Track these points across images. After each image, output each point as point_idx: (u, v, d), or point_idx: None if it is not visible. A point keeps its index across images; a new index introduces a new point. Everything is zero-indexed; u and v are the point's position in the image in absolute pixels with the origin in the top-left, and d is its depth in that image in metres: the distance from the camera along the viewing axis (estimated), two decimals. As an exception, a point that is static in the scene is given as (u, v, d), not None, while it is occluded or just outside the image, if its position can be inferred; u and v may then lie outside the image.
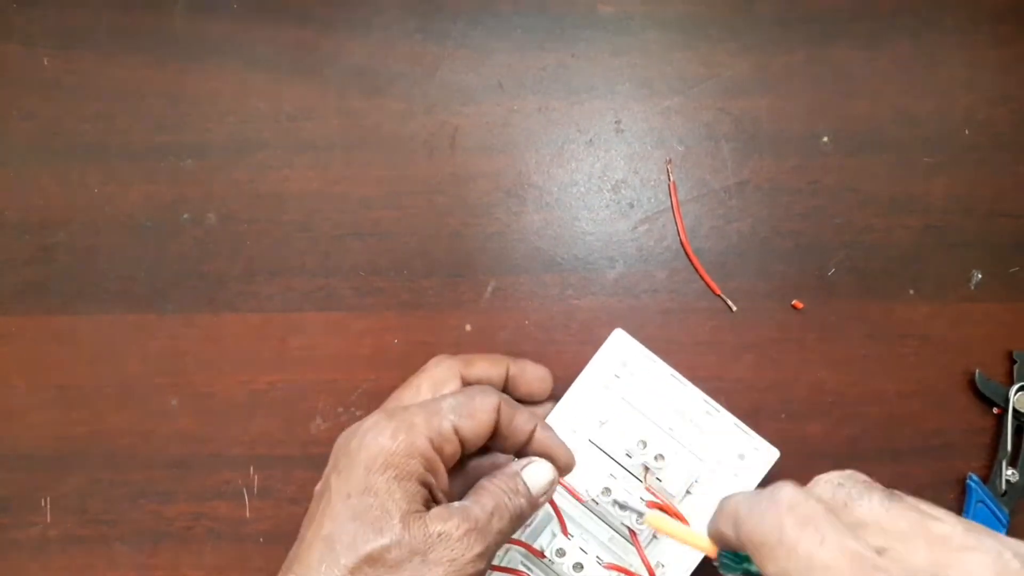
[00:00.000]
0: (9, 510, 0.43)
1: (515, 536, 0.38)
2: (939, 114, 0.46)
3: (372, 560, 0.29)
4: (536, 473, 0.34)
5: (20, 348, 0.44)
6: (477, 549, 0.30)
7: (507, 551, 0.39)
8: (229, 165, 0.45)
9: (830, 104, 0.46)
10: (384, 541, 0.29)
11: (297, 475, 0.43)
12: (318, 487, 0.33)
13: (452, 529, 0.30)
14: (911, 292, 0.44)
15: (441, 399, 0.33)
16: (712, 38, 0.46)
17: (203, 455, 0.43)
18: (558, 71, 0.46)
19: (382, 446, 0.30)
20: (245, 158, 0.45)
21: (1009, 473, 0.42)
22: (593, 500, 0.39)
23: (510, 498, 0.32)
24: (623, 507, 0.38)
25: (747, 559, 0.29)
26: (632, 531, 0.38)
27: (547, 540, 0.39)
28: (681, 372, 0.41)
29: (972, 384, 0.43)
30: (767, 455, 0.40)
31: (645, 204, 0.45)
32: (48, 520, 0.43)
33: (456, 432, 0.32)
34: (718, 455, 0.40)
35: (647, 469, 0.39)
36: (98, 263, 0.45)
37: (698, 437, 0.40)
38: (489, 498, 0.32)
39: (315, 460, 0.43)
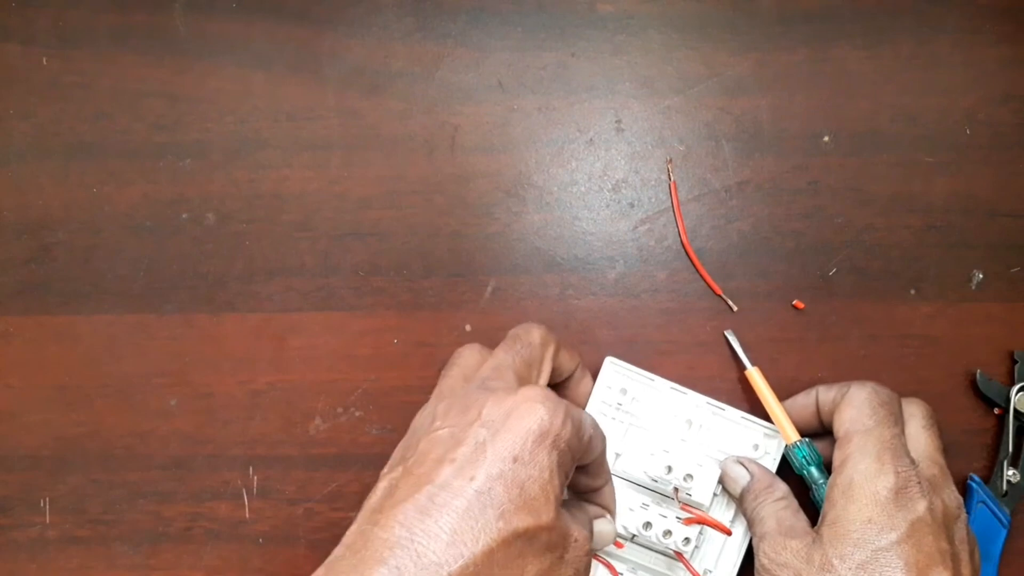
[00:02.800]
0: (8, 510, 0.43)
1: None
2: (939, 114, 0.46)
3: (526, 536, 0.27)
4: (604, 528, 0.35)
5: (19, 348, 0.44)
6: (587, 571, 0.31)
7: None
8: (228, 165, 0.45)
9: (831, 104, 0.46)
10: (542, 522, 0.28)
11: (296, 475, 0.43)
12: (431, 422, 0.31)
13: (584, 541, 0.30)
14: (912, 292, 0.44)
15: (583, 412, 0.32)
16: (712, 37, 0.46)
17: (202, 455, 0.43)
18: (558, 71, 0.46)
19: (555, 428, 0.29)
20: (244, 158, 0.45)
21: (1010, 473, 0.42)
22: (633, 536, 0.39)
23: (588, 538, 0.32)
24: (668, 534, 0.39)
25: (817, 463, 0.39)
26: (678, 553, 0.39)
27: None
28: (681, 373, 0.41)
29: (973, 384, 0.43)
30: (779, 439, 0.41)
31: (645, 204, 0.45)
32: (47, 520, 0.43)
33: (588, 444, 0.31)
34: (733, 451, 0.41)
35: (676, 489, 0.39)
36: (97, 263, 0.45)
37: (711, 440, 0.41)
38: (580, 530, 0.31)
39: (315, 460, 0.43)
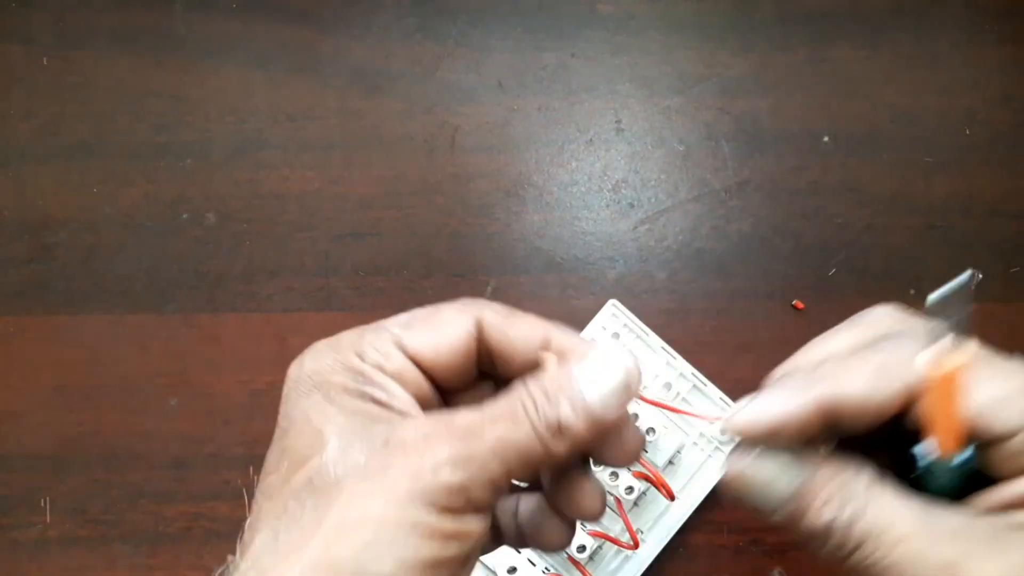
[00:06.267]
0: (9, 510, 0.43)
1: None
2: (939, 114, 0.46)
3: (308, 485, 0.23)
4: (594, 368, 0.23)
5: (19, 348, 0.44)
6: (441, 453, 0.22)
7: None
8: (229, 165, 0.45)
9: (830, 104, 0.46)
10: (316, 460, 0.23)
11: (297, 475, 0.43)
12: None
13: (407, 433, 0.23)
14: (911, 292, 0.44)
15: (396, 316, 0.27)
16: (712, 38, 0.46)
17: (203, 455, 0.43)
18: (558, 71, 0.46)
19: (301, 371, 0.27)
20: (245, 158, 0.45)
21: (1010, 473, 0.42)
22: None
23: (534, 403, 0.22)
24: (615, 476, 0.39)
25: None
26: (618, 499, 0.39)
27: None
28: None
29: (972, 384, 0.43)
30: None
31: (645, 204, 0.45)
32: (48, 520, 0.43)
33: (401, 348, 0.26)
34: (701, 428, 0.41)
35: None
36: (98, 263, 0.45)
37: (684, 410, 0.41)
38: (504, 402, 0.23)
39: (315, 460, 0.43)
